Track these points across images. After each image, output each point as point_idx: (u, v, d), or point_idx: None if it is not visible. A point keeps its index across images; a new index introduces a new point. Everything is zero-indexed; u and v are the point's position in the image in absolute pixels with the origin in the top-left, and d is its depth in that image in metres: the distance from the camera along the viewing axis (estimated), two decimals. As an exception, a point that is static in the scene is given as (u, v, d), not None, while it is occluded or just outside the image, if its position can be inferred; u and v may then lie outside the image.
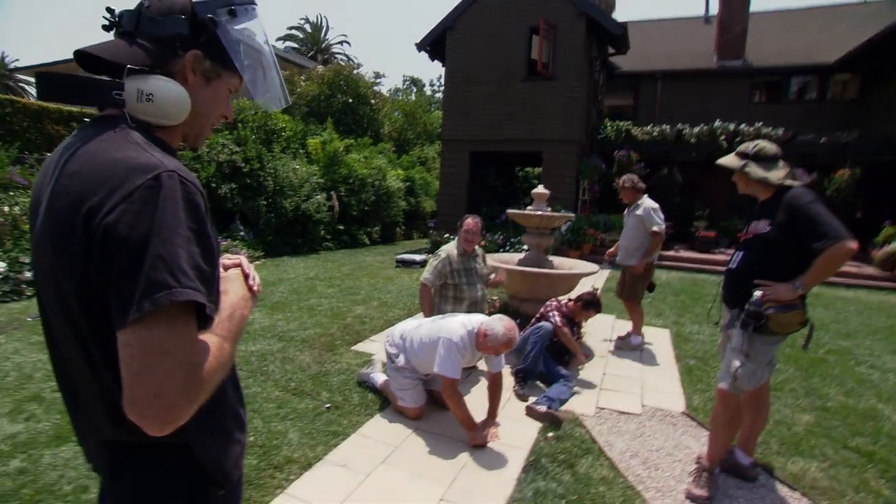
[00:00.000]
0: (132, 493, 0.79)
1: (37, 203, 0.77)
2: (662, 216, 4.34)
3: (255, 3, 0.88)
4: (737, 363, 2.20)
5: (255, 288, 0.90)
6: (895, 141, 10.54)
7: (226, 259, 0.91)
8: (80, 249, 0.66)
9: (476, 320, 2.73)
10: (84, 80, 0.74)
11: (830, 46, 14.04)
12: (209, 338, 0.71)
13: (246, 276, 0.90)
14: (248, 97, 0.93)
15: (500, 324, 2.61)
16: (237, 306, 0.81)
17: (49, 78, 0.74)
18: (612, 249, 4.68)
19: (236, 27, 0.84)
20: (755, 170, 2.25)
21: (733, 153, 2.38)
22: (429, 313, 3.57)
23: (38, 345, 3.76)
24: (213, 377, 0.69)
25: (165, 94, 0.77)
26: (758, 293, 2.10)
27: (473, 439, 2.59)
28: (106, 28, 0.81)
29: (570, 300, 3.92)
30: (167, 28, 0.79)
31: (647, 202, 4.39)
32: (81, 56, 0.77)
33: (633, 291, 4.48)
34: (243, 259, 0.93)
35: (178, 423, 0.65)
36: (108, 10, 0.80)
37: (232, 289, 0.84)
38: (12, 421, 2.61)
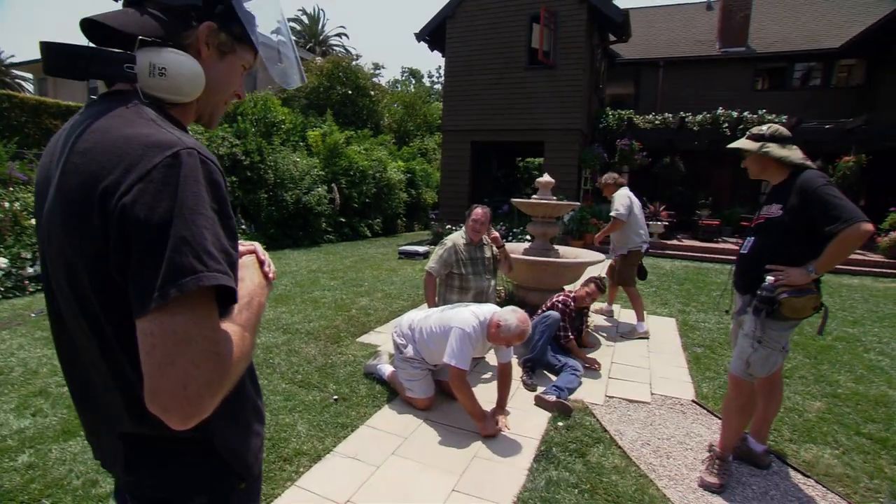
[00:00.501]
0: (152, 488, 0.76)
1: (44, 183, 0.72)
2: (629, 202, 4.49)
3: None
4: (749, 349, 2.17)
5: (270, 275, 0.87)
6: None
7: (240, 246, 0.88)
8: (95, 231, 0.62)
9: (488, 310, 2.70)
10: (93, 52, 0.68)
11: (835, 31, 13.89)
12: (230, 327, 0.67)
13: (261, 263, 0.86)
14: (264, 75, 0.85)
15: (513, 315, 2.57)
16: (255, 294, 0.78)
17: (55, 48, 0.67)
18: (599, 235, 4.87)
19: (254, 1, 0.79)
20: (776, 149, 2.19)
21: (745, 137, 2.32)
22: (433, 303, 3.54)
23: (43, 340, 3.74)
24: (236, 367, 0.66)
25: (179, 68, 0.71)
26: (770, 278, 2.07)
27: (484, 429, 2.57)
28: None
29: (572, 292, 3.90)
30: None
31: (620, 191, 4.66)
32: (90, 25, 0.71)
33: (623, 277, 4.68)
34: (258, 246, 0.89)
35: (202, 415, 0.61)
36: None
37: (248, 276, 0.81)
38: (19, 416, 2.60)
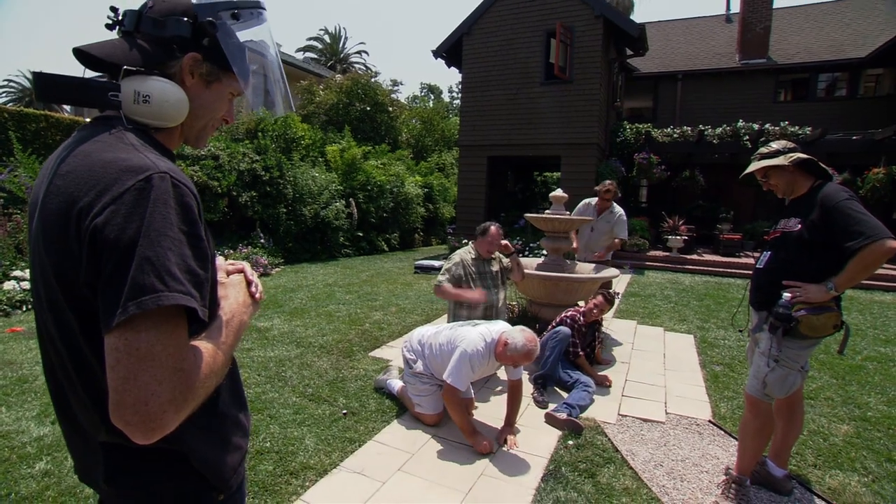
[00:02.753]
0: (133, 499, 0.77)
1: (34, 204, 0.76)
2: None
3: (262, 7, 0.86)
4: (765, 368, 2.10)
5: (256, 295, 0.89)
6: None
7: (228, 265, 0.91)
8: (71, 249, 0.66)
9: (497, 330, 2.68)
10: (80, 81, 0.72)
11: (860, 41, 13.58)
12: (202, 344, 0.70)
13: (249, 283, 0.89)
14: (252, 102, 0.93)
15: (521, 336, 2.56)
16: (236, 312, 0.81)
17: (45, 78, 0.71)
18: (576, 245, 5.03)
19: (241, 31, 0.83)
20: (801, 154, 2.11)
21: (758, 159, 2.24)
22: (454, 295, 3.43)
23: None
24: (204, 384, 0.68)
25: (162, 95, 0.75)
26: (787, 294, 2.01)
27: (475, 445, 2.57)
28: (109, 27, 0.80)
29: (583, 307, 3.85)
30: (168, 29, 0.77)
31: (620, 210, 4.91)
32: (80, 55, 0.75)
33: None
34: (246, 265, 0.93)
35: (164, 431, 0.62)
36: (112, 8, 0.79)
37: (232, 294, 0.84)
38: (39, 424, 2.67)
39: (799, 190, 2.18)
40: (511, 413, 2.74)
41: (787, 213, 2.19)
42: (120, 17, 0.79)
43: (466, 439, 2.61)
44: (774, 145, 2.23)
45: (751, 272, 2.36)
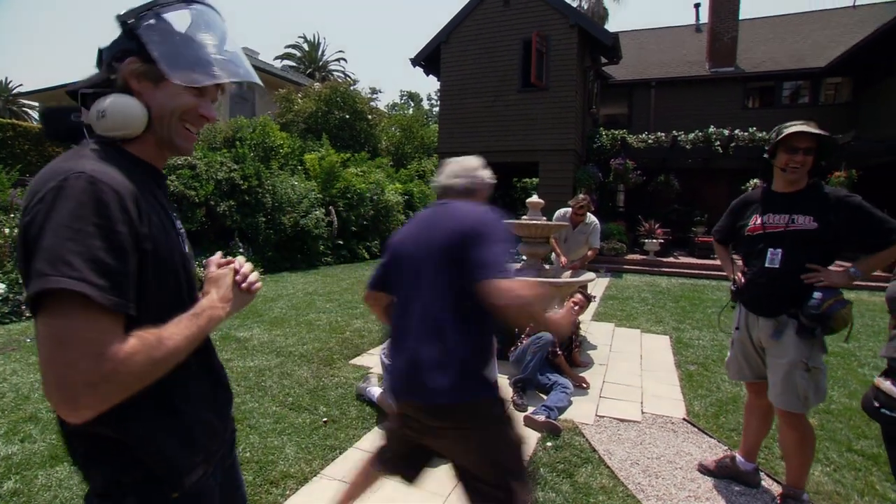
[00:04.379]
0: (98, 484, 0.81)
1: None
2: None
3: (185, 4, 0.88)
4: (803, 382, 1.99)
5: (243, 285, 0.95)
6: (890, 142, 10.58)
7: (220, 261, 0.97)
8: (21, 251, 0.72)
9: None
10: (57, 110, 0.85)
11: (820, 52, 14.21)
12: (144, 334, 0.72)
13: (235, 273, 0.95)
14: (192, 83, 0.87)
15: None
16: (207, 307, 0.85)
17: (46, 114, 0.86)
18: (563, 259, 5.06)
19: (164, 24, 0.85)
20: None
21: (814, 127, 2.04)
22: None
23: (36, 365, 3.75)
24: (140, 370, 0.70)
25: (112, 108, 0.80)
26: (817, 294, 1.92)
27: None
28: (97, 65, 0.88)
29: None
30: (114, 47, 0.84)
31: (595, 220, 5.04)
32: (70, 94, 0.86)
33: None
34: (238, 259, 0.98)
35: (88, 411, 0.66)
36: (99, 49, 0.87)
37: (213, 290, 0.89)
38: (7, 442, 2.60)
39: (799, 184, 2.10)
40: None
41: (783, 209, 2.08)
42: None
43: None
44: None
45: (726, 274, 2.38)
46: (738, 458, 2.43)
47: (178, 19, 0.86)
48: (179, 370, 0.78)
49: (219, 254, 0.99)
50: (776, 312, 2.08)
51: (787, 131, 2.06)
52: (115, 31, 0.85)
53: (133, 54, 0.82)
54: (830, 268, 2.01)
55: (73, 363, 0.64)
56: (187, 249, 0.92)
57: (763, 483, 2.42)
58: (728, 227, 2.42)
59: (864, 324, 6.02)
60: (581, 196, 5.02)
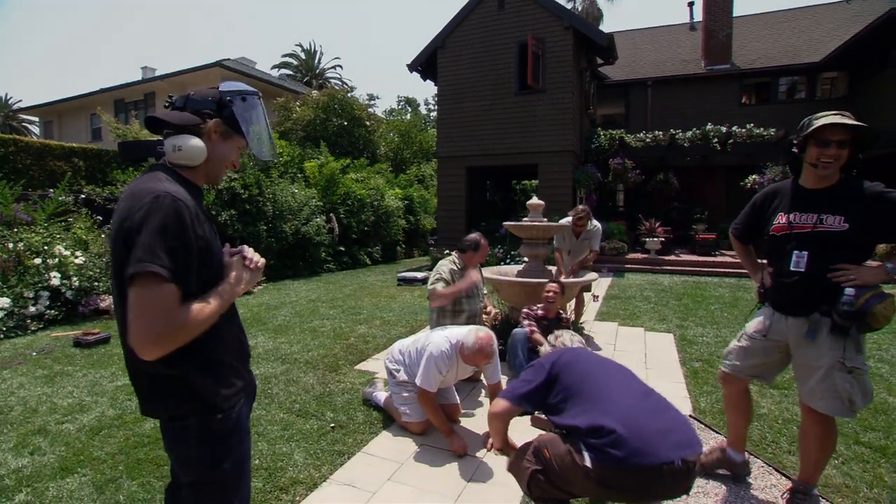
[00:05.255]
0: (161, 409, 1.20)
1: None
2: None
3: (259, 95, 1.32)
4: (847, 385, 1.86)
5: (251, 266, 1.27)
6: (889, 134, 10.60)
7: (233, 249, 1.29)
8: (121, 242, 1.06)
9: (462, 333, 2.76)
10: (145, 143, 1.26)
11: (815, 47, 14.26)
12: (193, 302, 1.08)
13: (244, 259, 1.26)
14: (253, 154, 1.36)
15: (471, 335, 2.66)
16: (228, 283, 1.19)
17: (125, 145, 1.27)
18: (575, 267, 5.10)
19: (245, 108, 1.28)
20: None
21: (850, 118, 1.89)
22: (451, 294, 3.47)
23: (43, 378, 3.77)
24: (192, 326, 1.06)
25: (189, 146, 1.18)
26: (849, 290, 1.79)
27: (450, 445, 2.66)
28: (166, 107, 1.28)
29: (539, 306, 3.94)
30: (202, 105, 1.24)
31: (597, 224, 5.13)
32: (151, 120, 1.20)
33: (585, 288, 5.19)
34: (245, 248, 1.30)
35: (161, 352, 1.02)
36: (169, 96, 1.30)
37: (230, 271, 1.22)
38: (17, 455, 2.61)
39: (830, 179, 1.94)
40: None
41: (811, 207, 1.94)
42: (174, 100, 1.26)
43: (444, 438, 2.71)
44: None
45: (728, 270, 2.35)
46: (728, 450, 2.40)
47: (252, 106, 1.29)
48: (214, 328, 1.14)
49: (227, 245, 1.31)
50: (807, 311, 1.95)
51: (818, 123, 1.89)
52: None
53: (219, 117, 1.24)
54: (864, 264, 1.87)
55: (153, 320, 1.00)
56: (218, 243, 1.26)
57: (772, 476, 2.42)
58: (748, 222, 2.26)
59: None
60: (580, 207, 5.05)
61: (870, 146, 1.92)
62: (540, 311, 3.84)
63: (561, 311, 3.94)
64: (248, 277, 1.25)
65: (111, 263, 1.16)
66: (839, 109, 2.04)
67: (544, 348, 3.29)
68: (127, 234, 1.04)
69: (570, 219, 5.09)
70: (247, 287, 1.25)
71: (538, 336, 3.63)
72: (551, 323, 3.81)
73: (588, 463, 1.58)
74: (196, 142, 1.18)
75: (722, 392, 2.42)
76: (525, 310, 3.90)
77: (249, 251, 1.29)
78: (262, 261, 1.30)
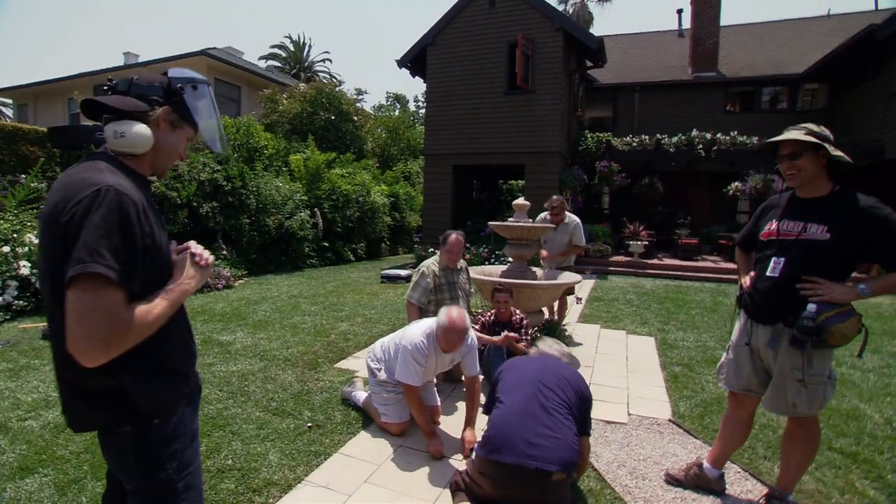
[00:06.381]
0: (101, 424, 1.14)
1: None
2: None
3: (209, 84, 1.27)
4: (793, 392, 1.93)
5: (200, 262, 1.20)
6: (866, 146, 10.90)
7: (178, 247, 1.23)
8: (55, 238, 0.98)
9: (435, 320, 2.74)
10: (81, 128, 1.14)
11: (797, 59, 14.58)
12: (141, 304, 1.02)
13: (193, 256, 1.20)
14: (203, 143, 1.31)
15: (442, 314, 2.64)
16: (178, 284, 1.13)
17: (57, 130, 1.15)
18: (546, 252, 5.24)
19: (196, 96, 1.22)
20: (836, 151, 1.87)
21: (802, 132, 1.93)
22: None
23: (6, 372, 3.62)
24: (138, 330, 0.99)
25: (132, 131, 1.09)
26: (812, 306, 1.81)
27: (428, 446, 2.64)
28: (105, 90, 1.18)
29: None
30: (150, 91, 1.15)
31: (574, 219, 5.16)
32: (89, 104, 1.12)
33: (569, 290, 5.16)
34: (192, 244, 1.23)
35: (103, 359, 0.95)
36: (108, 79, 1.20)
37: (179, 270, 1.16)
38: (-25, 453, 2.49)
39: (816, 190, 1.96)
40: (469, 413, 2.78)
41: (797, 216, 1.97)
42: (114, 83, 1.17)
43: (423, 438, 2.69)
44: (820, 128, 1.94)
45: (709, 275, 2.35)
46: (706, 465, 2.37)
47: (203, 95, 1.24)
48: (161, 332, 1.08)
49: (174, 242, 1.24)
50: (773, 320, 2.00)
51: (769, 141, 2.04)
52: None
53: (168, 104, 1.17)
54: (841, 282, 1.87)
55: (96, 325, 0.93)
56: (167, 240, 1.20)
57: (747, 482, 2.44)
58: (750, 231, 2.28)
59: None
60: (554, 197, 5.14)
61: (833, 158, 1.90)
62: (493, 317, 3.82)
63: (516, 312, 3.85)
64: (198, 275, 1.18)
65: (41, 260, 1.07)
66: (819, 120, 2.11)
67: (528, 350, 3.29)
68: (64, 230, 0.95)
69: (546, 214, 5.18)
70: (197, 285, 1.18)
71: (482, 334, 3.62)
72: (504, 327, 3.77)
73: (473, 455, 2.09)
74: (141, 128, 1.09)
75: (726, 411, 2.37)
76: (479, 316, 3.90)
77: (198, 248, 1.23)
78: (211, 258, 1.24)
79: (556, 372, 2.23)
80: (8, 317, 5.18)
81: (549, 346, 2.54)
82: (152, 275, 1.08)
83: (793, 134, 1.94)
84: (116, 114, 1.09)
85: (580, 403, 2.14)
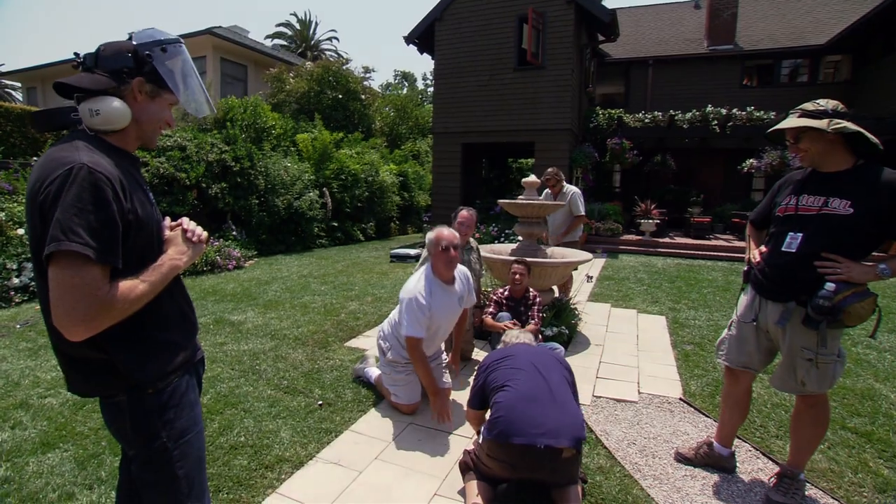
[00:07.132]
0: (97, 390, 1.17)
1: None
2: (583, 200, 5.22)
3: (181, 42, 1.20)
4: (803, 370, 1.91)
5: (193, 239, 1.20)
6: (892, 120, 10.50)
7: (172, 223, 1.22)
8: (34, 217, 0.99)
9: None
10: (59, 110, 1.11)
11: (820, 28, 14.00)
12: (125, 280, 1.02)
13: (185, 231, 1.20)
14: (185, 108, 1.24)
15: (431, 234, 2.69)
16: (167, 258, 1.13)
17: (36, 114, 1.13)
18: (566, 232, 5.26)
19: (168, 59, 1.16)
20: (851, 125, 1.76)
21: (798, 115, 1.89)
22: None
23: (26, 352, 3.70)
24: (121, 306, 1.00)
25: (107, 107, 1.07)
26: (830, 285, 1.74)
27: (432, 404, 2.68)
28: (75, 67, 1.13)
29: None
30: (117, 63, 1.10)
31: (572, 188, 5.12)
32: (59, 86, 1.09)
33: None
34: (184, 220, 1.23)
35: (87, 334, 0.97)
36: (75, 54, 1.14)
37: (170, 247, 1.16)
38: (-3, 429, 2.56)
39: (835, 164, 1.87)
40: (455, 343, 2.92)
41: (820, 190, 1.88)
42: (82, 59, 1.12)
43: (430, 397, 2.71)
44: (823, 103, 1.87)
45: (721, 254, 2.30)
46: (715, 444, 2.36)
47: (175, 55, 1.17)
48: (153, 304, 1.09)
49: (167, 219, 1.22)
50: (785, 298, 1.93)
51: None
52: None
53: (141, 75, 1.12)
54: (861, 260, 1.79)
55: (76, 301, 0.94)
56: (157, 216, 1.18)
57: (759, 461, 2.43)
58: (766, 208, 2.19)
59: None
60: (549, 169, 5.16)
61: (851, 134, 1.79)
62: (506, 292, 3.81)
63: (530, 290, 3.86)
64: (189, 251, 1.18)
65: (28, 238, 1.09)
66: (841, 94, 2.05)
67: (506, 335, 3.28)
68: (40, 209, 0.96)
69: (547, 190, 5.20)
70: (190, 261, 1.18)
71: (489, 318, 3.67)
72: (518, 303, 3.78)
73: (481, 439, 2.06)
74: (116, 103, 1.07)
75: (723, 387, 2.36)
76: (492, 295, 3.89)
77: (190, 224, 1.22)
78: (204, 234, 1.23)
79: (543, 353, 2.27)
80: (25, 298, 5.28)
81: (515, 336, 2.49)
82: (141, 251, 1.08)
83: (786, 122, 1.92)
84: (86, 93, 1.07)
85: (572, 379, 2.21)
